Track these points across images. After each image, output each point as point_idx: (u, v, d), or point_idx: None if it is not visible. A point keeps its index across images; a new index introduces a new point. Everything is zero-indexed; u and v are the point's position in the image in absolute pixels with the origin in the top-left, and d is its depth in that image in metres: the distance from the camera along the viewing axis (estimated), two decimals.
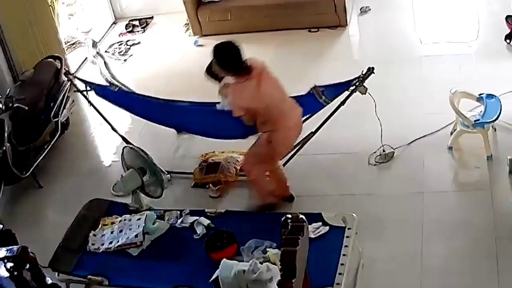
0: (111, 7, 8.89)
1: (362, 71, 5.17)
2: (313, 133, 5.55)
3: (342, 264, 3.97)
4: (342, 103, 5.33)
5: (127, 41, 8.30)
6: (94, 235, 4.62)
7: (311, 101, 5.09)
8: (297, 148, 5.43)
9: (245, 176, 5.22)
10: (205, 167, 5.62)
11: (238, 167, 5.55)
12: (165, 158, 5.94)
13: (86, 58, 8.04)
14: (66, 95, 6.28)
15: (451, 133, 5.51)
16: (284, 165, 5.38)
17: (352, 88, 5.12)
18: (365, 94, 5.18)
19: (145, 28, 8.61)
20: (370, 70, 5.13)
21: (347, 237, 4.17)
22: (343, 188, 5.30)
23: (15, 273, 3.71)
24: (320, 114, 5.59)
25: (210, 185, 5.45)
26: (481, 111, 5.34)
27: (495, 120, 5.28)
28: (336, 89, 5.20)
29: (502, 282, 4.19)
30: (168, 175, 5.71)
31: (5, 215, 5.56)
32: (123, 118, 6.85)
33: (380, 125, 5.35)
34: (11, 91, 5.90)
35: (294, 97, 5.06)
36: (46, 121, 6.01)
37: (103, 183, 5.77)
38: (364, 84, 5.15)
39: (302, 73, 6.74)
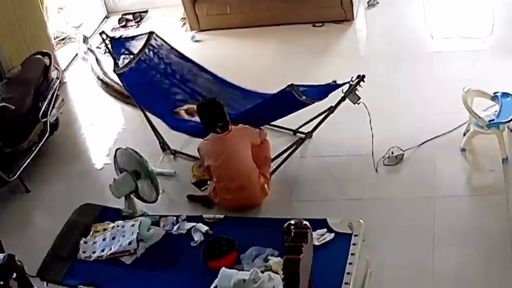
0: (103, 0, 8.91)
1: (352, 77, 5.18)
2: (302, 140, 5.58)
3: (348, 273, 3.97)
4: (332, 111, 5.36)
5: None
6: (85, 242, 4.63)
7: (290, 99, 5.09)
8: (288, 153, 5.50)
9: None
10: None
11: None
12: (159, 159, 5.98)
13: (76, 54, 8.07)
14: (55, 94, 6.29)
15: (464, 134, 5.52)
16: (274, 171, 5.43)
17: (343, 95, 5.20)
18: (357, 103, 5.19)
19: (139, 23, 8.63)
20: (360, 77, 5.15)
21: (354, 244, 4.17)
22: (349, 192, 5.32)
23: (1, 282, 3.73)
24: (311, 117, 5.68)
25: (209, 182, 5.45)
26: (496, 111, 5.35)
27: (510, 120, 5.28)
28: (319, 91, 5.24)
29: None
30: (174, 171, 5.77)
31: None
32: (116, 118, 6.89)
33: (372, 135, 5.39)
34: None
35: (270, 96, 5.20)
36: (34, 121, 6.02)
37: (94, 187, 5.78)
38: (357, 92, 5.16)
39: (305, 70, 6.76)
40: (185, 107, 5.82)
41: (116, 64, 5.79)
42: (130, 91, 5.95)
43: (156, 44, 5.94)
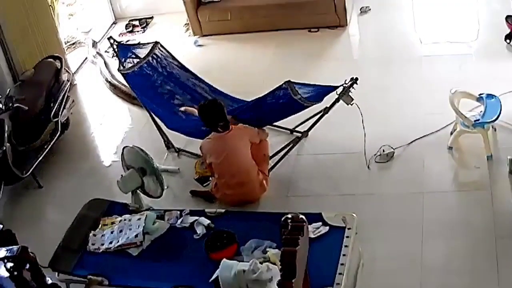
0: (111, 7, 8.89)
1: (346, 80, 5.17)
2: (299, 138, 5.57)
3: (342, 264, 3.97)
4: (326, 112, 5.35)
5: (127, 41, 8.29)
6: (94, 235, 4.62)
7: (286, 97, 5.06)
8: (285, 151, 5.48)
9: None
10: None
11: None
12: (164, 156, 5.97)
13: (86, 58, 8.05)
14: (66, 95, 6.28)
15: (451, 133, 5.51)
16: (272, 168, 5.43)
17: (336, 96, 5.18)
18: (350, 104, 5.17)
19: (145, 28, 8.62)
20: (353, 80, 5.13)
21: (347, 237, 4.17)
22: (343, 188, 5.31)
23: (15, 273, 3.72)
24: (307, 117, 5.67)
25: (211, 178, 5.45)
26: (481, 111, 5.34)
27: (495, 120, 5.28)
28: (315, 93, 5.21)
29: (502, 282, 4.19)
30: (178, 168, 5.76)
31: (5, 215, 5.57)
32: (123, 118, 6.87)
33: (364, 134, 5.36)
34: (11, 91, 5.90)
35: (268, 93, 5.16)
36: (46, 121, 6.01)
37: (103, 183, 5.77)
38: (350, 94, 5.14)
39: (302, 73, 6.72)
40: (183, 108, 5.79)
41: (121, 64, 5.78)
42: (133, 90, 5.95)
43: (160, 54, 5.90)
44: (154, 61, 5.88)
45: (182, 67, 6.05)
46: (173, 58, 6.00)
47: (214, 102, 5.15)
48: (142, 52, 5.87)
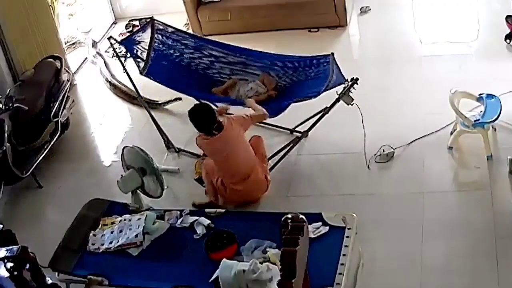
0: (111, 7, 8.89)
1: (346, 80, 5.17)
2: (299, 138, 5.57)
3: (342, 264, 3.97)
4: (327, 112, 5.35)
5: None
6: (94, 235, 4.62)
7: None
8: (285, 151, 5.49)
9: None
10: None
11: None
12: (164, 156, 5.97)
13: (86, 58, 8.04)
14: (66, 95, 6.28)
15: (451, 133, 5.51)
16: (272, 168, 5.42)
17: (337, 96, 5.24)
18: (351, 104, 5.17)
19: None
20: (353, 80, 5.15)
21: (347, 237, 4.17)
22: (343, 188, 5.31)
23: (15, 273, 3.72)
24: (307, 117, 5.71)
25: None
26: (481, 111, 5.34)
27: (495, 120, 5.28)
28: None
29: (502, 282, 4.19)
30: (178, 168, 5.77)
31: (5, 215, 5.57)
32: (123, 118, 6.88)
33: (364, 134, 5.37)
34: (11, 91, 5.90)
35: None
36: (46, 121, 6.01)
37: (103, 183, 5.77)
38: (350, 94, 5.15)
39: None
40: (220, 89, 5.89)
41: (138, 67, 5.82)
42: (164, 83, 5.94)
43: (161, 27, 5.96)
44: (160, 35, 5.92)
45: (184, 31, 6.15)
46: (171, 26, 6.06)
47: (203, 106, 5.11)
48: (145, 37, 5.87)
